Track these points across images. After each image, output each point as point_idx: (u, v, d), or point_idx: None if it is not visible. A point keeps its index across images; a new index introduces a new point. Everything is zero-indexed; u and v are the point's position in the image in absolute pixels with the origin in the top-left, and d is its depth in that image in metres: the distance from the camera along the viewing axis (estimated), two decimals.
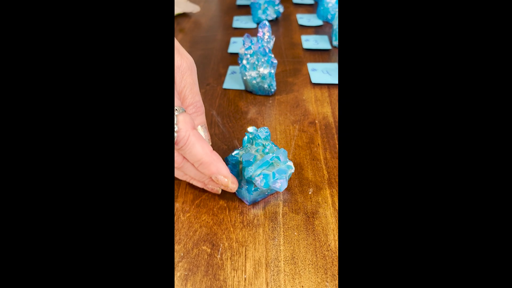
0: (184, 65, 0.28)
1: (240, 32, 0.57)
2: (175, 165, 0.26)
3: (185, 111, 0.25)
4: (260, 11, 0.59)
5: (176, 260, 0.25)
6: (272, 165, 0.28)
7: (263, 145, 0.29)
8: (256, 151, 0.29)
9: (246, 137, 0.30)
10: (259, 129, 0.30)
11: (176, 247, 0.26)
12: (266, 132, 0.29)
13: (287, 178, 0.28)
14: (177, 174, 0.28)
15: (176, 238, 0.26)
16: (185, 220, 0.28)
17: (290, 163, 0.29)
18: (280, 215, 0.28)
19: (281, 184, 0.27)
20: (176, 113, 0.24)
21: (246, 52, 0.40)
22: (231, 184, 0.27)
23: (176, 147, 0.24)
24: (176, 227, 0.27)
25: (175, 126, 0.23)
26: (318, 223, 0.27)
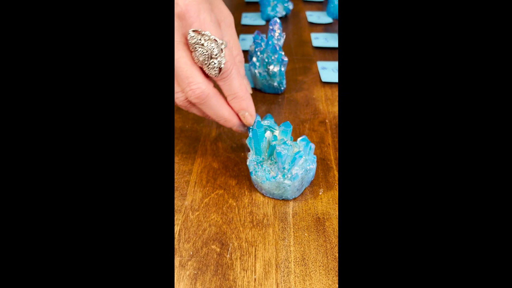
0: (229, 19, 0.29)
1: (249, 29, 0.57)
2: (199, 100, 0.26)
3: (226, 43, 0.25)
4: (269, 8, 0.58)
5: (185, 258, 0.25)
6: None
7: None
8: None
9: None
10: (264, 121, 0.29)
11: (186, 246, 0.26)
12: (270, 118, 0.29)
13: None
14: (194, 109, 0.28)
15: (186, 236, 0.26)
16: (194, 219, 0.28)
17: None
18: (290, 215, 0.28)
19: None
20: (222, 46, 0.24)
21: (256, 49, 0.39)
22: (252, 122, 0.28)
23: (218, 78, 0.26)
24: (185, 225, 0.27)
25: (223, 58, 0.24)
26: (329, 224, 0.27)
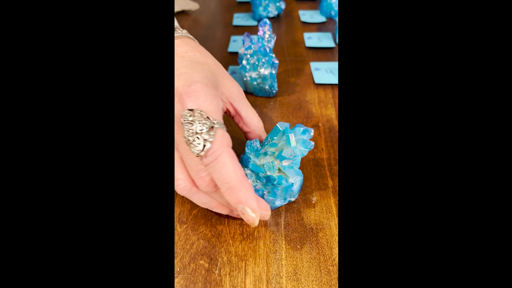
0: (240, 92, 0.28)
1: (241, 30, 0.56)
2: (183, 190, 0.24)
3: (225, 128, 0.23)
4: (261, 8, 0.57)
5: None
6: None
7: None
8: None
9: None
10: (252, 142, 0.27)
11: None
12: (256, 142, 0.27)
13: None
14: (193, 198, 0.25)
15: None
16: (182, 232, 0.26)
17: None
18: (282, 226, 0.26)
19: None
20: (215, 125, 0.22)
21: (246, 52, 0.38)
22: (257, 219, 0.22)
23: (205, 161, 0.22)
24: None
25: (211, 137, 0.21)
26: (322, 235, 0.26)
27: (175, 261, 0.24)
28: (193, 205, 0.28)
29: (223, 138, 0.22)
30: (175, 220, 0.27)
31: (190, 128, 0.21)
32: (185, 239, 0.26)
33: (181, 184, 0.24)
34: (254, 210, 0.21)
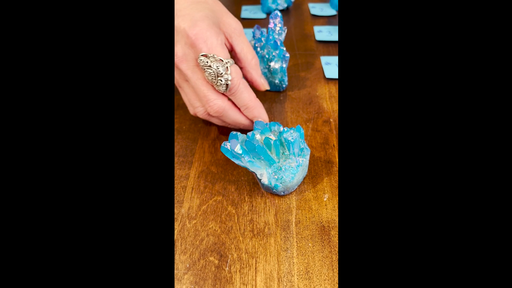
0: (239, 29, 0.31)
1: (249, 23, 0.55)
2: (218, 114, 0.29)
3: (235, 63, 0.29)
4: (270, 0, 0.56)
5: (182, 271, 0.23)
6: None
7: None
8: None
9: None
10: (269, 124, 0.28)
11: (182, 258, 0.24)
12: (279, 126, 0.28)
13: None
14: (214, 120, 0.32)
15: (182, 247, 0.25)
16: (191, 228, 0.26)
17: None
18: (293, 223, 0.26)
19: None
20: (228, 65, 0.27)
21: (256, 45, 0.37)
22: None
23: (228, 93, 0.29)
24: (181, 235, 0.25)
25: (228, 75, 0.27)
26: (335, 233, 0.25)
27: (184, 257, 0.24)
28: (202, 201, 0.28)
29: (236, 73, 0.28)
30: (185, 216, 0.27)
31: (211, 72, 0.27)
32: (194, 235, 0.25)
33: (201, 111, 0.30)
34: (265, 121, 0.31)
